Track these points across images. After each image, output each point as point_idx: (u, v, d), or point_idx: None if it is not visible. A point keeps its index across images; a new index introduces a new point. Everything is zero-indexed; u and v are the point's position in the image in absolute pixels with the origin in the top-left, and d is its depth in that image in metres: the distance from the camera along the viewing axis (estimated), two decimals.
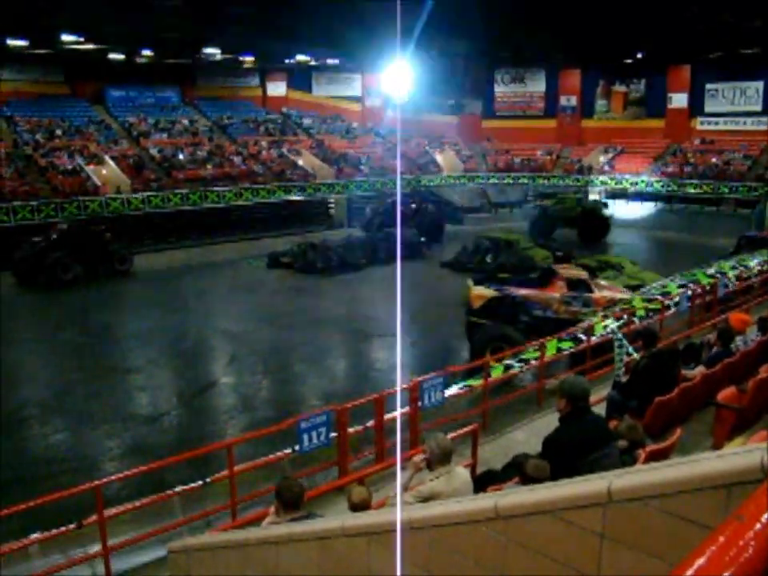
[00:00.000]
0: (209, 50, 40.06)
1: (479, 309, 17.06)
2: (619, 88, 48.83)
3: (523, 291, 16.96)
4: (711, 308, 15.99)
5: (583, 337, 13.09)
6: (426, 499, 4.65)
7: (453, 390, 10.58)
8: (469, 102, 51.02)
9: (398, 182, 44.50)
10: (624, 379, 8.47)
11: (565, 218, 34.91)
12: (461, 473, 5.10)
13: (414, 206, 34.99)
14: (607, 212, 35.82)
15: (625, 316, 14.15)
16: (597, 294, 16.59)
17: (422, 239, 32.35)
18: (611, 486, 1.92)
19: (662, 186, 40.82)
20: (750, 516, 1.23)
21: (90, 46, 36.62)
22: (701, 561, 1.15)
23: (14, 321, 21.04)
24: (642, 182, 41.47)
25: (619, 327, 12.23)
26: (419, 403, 9.41)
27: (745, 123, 42.36)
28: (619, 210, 39.76)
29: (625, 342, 9.40)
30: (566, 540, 2.08)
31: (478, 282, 18.16)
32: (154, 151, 39.87)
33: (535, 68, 49.97)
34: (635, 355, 9.09)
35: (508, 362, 12.44)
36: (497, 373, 11.89)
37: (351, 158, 45.03)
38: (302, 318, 21.73)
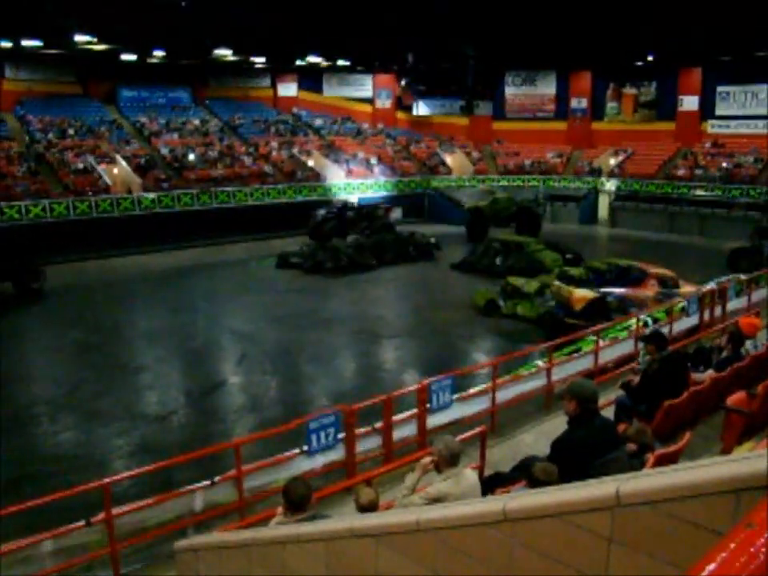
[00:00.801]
0: (220, 51, 40.13)
1: (581, 311, 17.18)
2: (630, 90, 48.64)
3: (620, 291, 17.19)
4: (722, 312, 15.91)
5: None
6: (433, 501, 4.65)
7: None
8: (479, 103, 50.98)
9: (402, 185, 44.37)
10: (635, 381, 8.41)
11: (500, 217, 36.04)
12: (469, 475, 5.09)
13: (365, 211, 35.02)
14: (539, 210, 37.70)
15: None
16: (684, 289, 17.04)
17: (433, 240, 32.38)
18: (620, 490, 1.91)
19: (672, 190, 40.67)
20: (761, 523, 1.23)
21: (103, 47, 36.77)
22: (711, 567, 1.15)
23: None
24: (652, 185, 41.32)
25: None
26: (428, 405, 9.43)
27: (756, 126, 42.05)
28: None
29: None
30: (574, 544, 2.07)
31: (576, 285, 18.94)
32: (165, 151, 40.00)
33: (546, 70, 49.86)
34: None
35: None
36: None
37: (361, 159, 45.06)
38: (311, 318, 21.76)
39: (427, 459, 5.17)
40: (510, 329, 20.37)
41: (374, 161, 44.91)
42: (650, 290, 17.43)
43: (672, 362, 8.18)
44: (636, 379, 8.29)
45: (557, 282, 19.74)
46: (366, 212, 35.21)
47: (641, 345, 9.15)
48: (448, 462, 4.91)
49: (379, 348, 19.77)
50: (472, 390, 11.21)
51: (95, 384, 16.37)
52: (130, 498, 8.13)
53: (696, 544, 1.60)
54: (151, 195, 34.46)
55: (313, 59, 44.80)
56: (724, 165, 40.90)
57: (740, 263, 29.74)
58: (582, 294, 17.85)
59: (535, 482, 4.51)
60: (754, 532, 1.20)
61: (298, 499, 4.63)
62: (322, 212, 34.78)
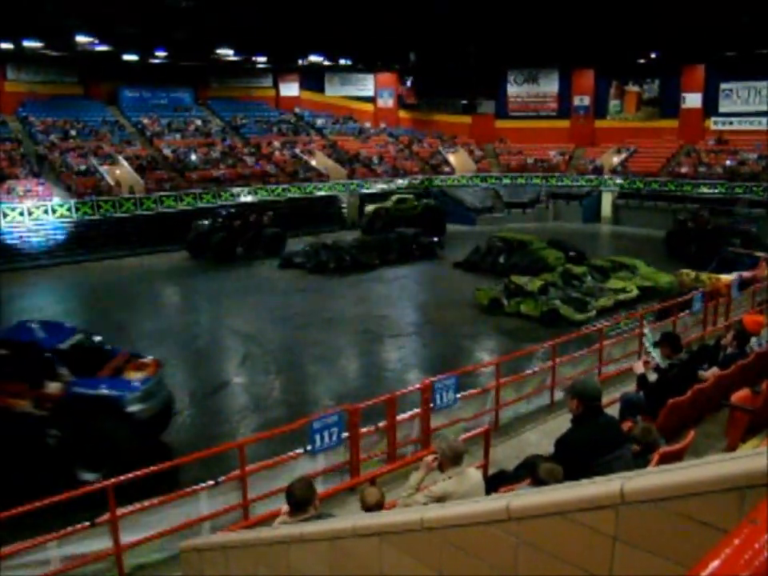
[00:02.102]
0: (222, 51, 40.15)
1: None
2: (632, 88, 48.54)
3: (747, 274, 19.65)
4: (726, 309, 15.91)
5: None
6: (437, 500, 4.65)
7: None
8: (481, 102, 50.95)
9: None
10: (651, 378, 8.11)
11: (406, 217, 36.10)
12: (472, 474, 5.09)
13: (252, 219, 32.75)
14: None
15: None
16: None
17: (436, 239, 32.39)
18: (624, 488, 1.91)
19: (676, 187, 40.60)
20: (765, 519, 1.22)
21: (104, 48, 36.81)
22: (715, 563, 1.14)
23: None
24: (656, 183, 41.25)
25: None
26: (431, 404, 9.42)
27: (760, 123, 41.90)
28: None
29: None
30: (578, 542, 2.07)
31: (714, 271, 21.75)
32: (167, 152, 40.05)
33: (548, 68, 49.79)
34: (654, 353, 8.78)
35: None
36: None
37: (364, 158, 45.08)
38: (315, 318, 21.76)
39: (430, 458, 5.17)
40: (514, 327, 20.38)
41: (376, 160, 44.95)
42: (764, 271, 20.42)
43: (691, 365, 8.14)
44: (652, 376, 8.08)
45: (686, 270, 22.57)
46: (254, 220, 32.76)
47: (647, 343, 8.99)
48: (451, 460, 4.91)
49: (383, 347, 19.77)
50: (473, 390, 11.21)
51: None
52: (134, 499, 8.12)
53: (701, 542, 1.59)
54: (153, 196, 34.50)
55: (314, 59, 44.81)
56: (727, 162, 40.81)
57: (675, 247, 32.41)
58: (727, 278, 19.29)
59: (540, 483, 4.50)
60: (757, 528, 1.19)
61: (302, 499, 4.63)
62: (205, 222, 31.99)
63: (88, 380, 11.53)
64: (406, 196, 38.82)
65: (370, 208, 37.98)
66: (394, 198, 38.31)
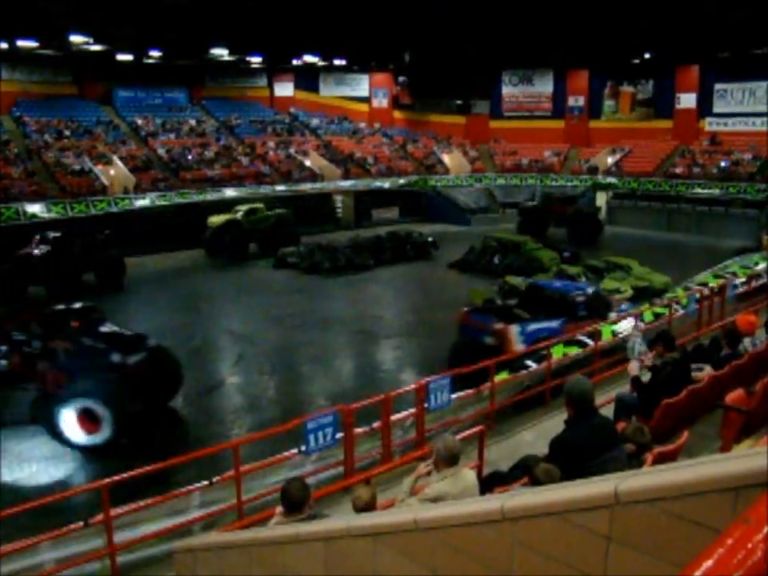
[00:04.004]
0: (216, 51, 40.09)
1: None
2: (627, 88, 48.64)
3: None
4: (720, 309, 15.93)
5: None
6: (432, 501, 4.64)
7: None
8: (476, 102, 51.00)
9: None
10: (644, 378, 8.14)
11: (258, 229, 32.78)
12: (467, 474, 5.08)
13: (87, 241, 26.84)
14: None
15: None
16: None
17: (430, 239, 32.38)
18: (618, 488, 1.91)
19: (670, 188, 40.68)
20: (758, 519, 1.22)
21: (99, 47, 36.71)
22: (709, 563, 1.15)
23: None
24: (650, 183, 41.31)
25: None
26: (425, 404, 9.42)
27: (754, 124, 42.08)
28: None
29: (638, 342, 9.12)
30: (573, 542, 2.07)
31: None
32: (161, 151, 39.98)
33: (543, 68, 49.88)
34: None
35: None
36: None
37: (358, 158, 45.08)
38: (309, 318, 21.74)
39: (422, 467, 5.18)
40: None
41: (370, 160, 44.96)
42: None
43: (684, 364, 8.14)
44: (645, 377, 8.10)
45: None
46: (90, 241, 26.85)
47: (639, 342, 8.99)
48: (447, 461, 4.90)
49: (377, 348, 19.77)
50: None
51: None
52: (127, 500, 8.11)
53: (695, 542, 1.59)
54: (148, 196, 34.42)
55: (309, 59, 44.76)
56: (722, 163, 40.90)
57: (527, 223, 34.78)
58: None
59: (537, 484, 4.50)
60: (751, 528, 1.19)
61: (297, 500, 4.62)
62: (36, 249, 25.69)
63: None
64: (257, 206, 33.95)
65: (215, 220, 32.60)
66: (243, 208, 33.23)
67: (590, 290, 17.43)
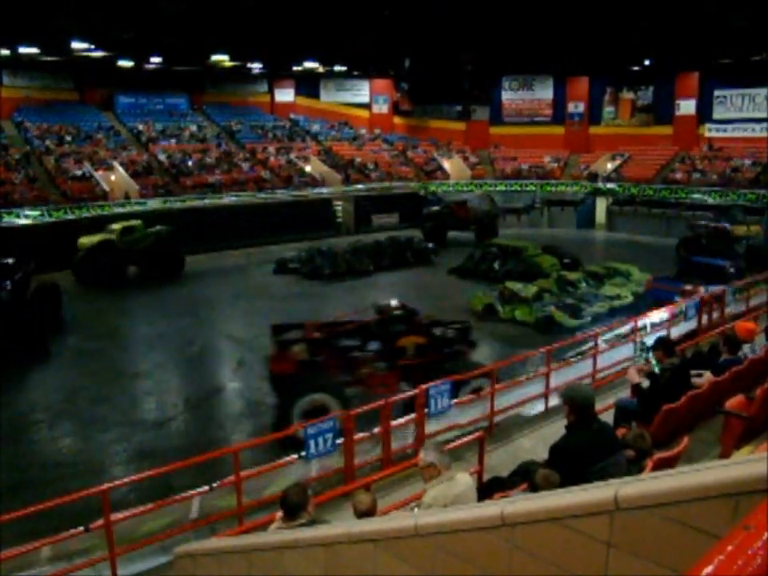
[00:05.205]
0: (217, 57, 40.15)
1: None
2: (627, 95, 48.71)
3: None
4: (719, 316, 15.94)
5: None
6: (428, 508, 4.63)
7: None
8: (476, 108, 51.04)
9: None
10: (645, 384, 8.10)
11: (136, 249, 29.04)
12: (462, 479, 5.05)
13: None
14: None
15: None
16: None
17: (430, 245, 32.39)
18: (618, 494, 1.91)
19: (670, 194, 40.68)
20: (758, 525, 1.23)
21: (100, 54, 36.79)
22: (709, 569, 1.15)
23: None
24: (650, 189, 41.32)
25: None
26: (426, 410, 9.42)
27: (753, 130, 42.16)
28: None
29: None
30: (573, 548, 2.07)
31: None
32: (162, 157, 40.03)
33: (543, 75, 49.95)
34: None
35: None
36: None
37: (359, 164, 45.11)
38: None
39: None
40: (509, 333, 20.37)
41: (371, 166, 44.99)
42: None
43: (684, 370, 8.13)
44: (645, 383, 8.06)
45: None
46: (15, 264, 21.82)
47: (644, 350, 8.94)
48: (432, 471, 4.87)
49: None
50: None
51: (93, 390, 16.34)
52: (129, 504, 8.11)
53: (695, 548, 1.59)
54: (149, 201, 34.46)
55: (309, 65, 44.85)
56: (722, 169, 40.92)
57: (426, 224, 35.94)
58: None
59: (536, 489, 4.49)
60: (751, 535, 1.20)
61: (296, 505, 4.62)
62: None
63: None
64: (134, 223, 29.87)
65: (85, 241, 28.66)
66: (116, 226, 29.26)
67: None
